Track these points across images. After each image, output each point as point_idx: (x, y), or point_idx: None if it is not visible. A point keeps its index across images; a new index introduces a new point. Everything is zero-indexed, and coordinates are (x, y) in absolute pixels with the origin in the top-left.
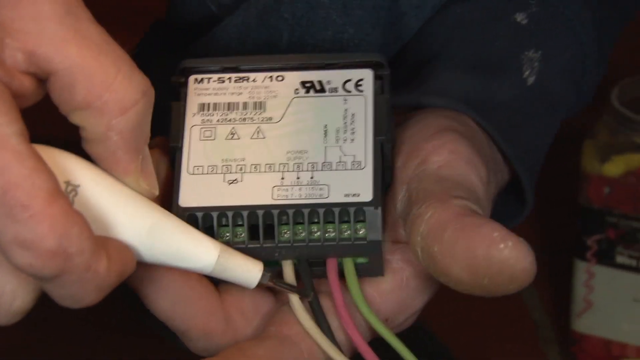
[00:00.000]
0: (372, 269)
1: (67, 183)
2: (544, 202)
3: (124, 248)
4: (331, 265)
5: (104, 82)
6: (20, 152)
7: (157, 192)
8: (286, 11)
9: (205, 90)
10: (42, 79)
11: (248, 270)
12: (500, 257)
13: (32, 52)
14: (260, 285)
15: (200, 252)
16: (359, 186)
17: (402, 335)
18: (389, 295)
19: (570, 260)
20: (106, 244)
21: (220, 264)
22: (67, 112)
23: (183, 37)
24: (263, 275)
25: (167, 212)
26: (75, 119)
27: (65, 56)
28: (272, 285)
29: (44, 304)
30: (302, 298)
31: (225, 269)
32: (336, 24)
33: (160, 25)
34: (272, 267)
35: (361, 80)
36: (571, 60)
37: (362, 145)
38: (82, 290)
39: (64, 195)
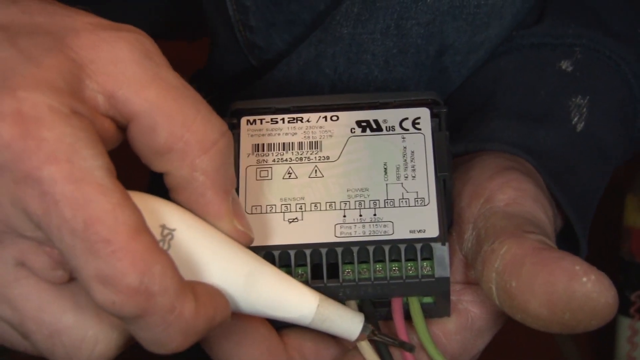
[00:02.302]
0: (438, 309)
1: (163, 227)
2: (586, 256)
3: (216, 293)
4: (397, 305)
5: (184, 123)
6: (104, 186)
7: (253, 236)
8: (327, 67)
9: (259, 131)
10: (120, 126)
11: (349, 321)
12: (583, 291)
13: (112, 94)
14: (360, 338)
15: (300, 301)
16: (424, 222)
17: None
18: (455, 336)
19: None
20: (195, 287)
21: (320, 314)
22: (149, 159)
23: (223, 88)
24: (365, 327)
25: (263, 260)
26: (158, 165)
27: (145, 99)
28: (373, 337)
29: None
30: (405, 351)
31: (325, 320)
32: (378, 80)
33: (200, 74)
34: None
35: (418, 118)
36: (620, 104)
37: (424, 181)
38: (166, 333)
39: (149, 232)
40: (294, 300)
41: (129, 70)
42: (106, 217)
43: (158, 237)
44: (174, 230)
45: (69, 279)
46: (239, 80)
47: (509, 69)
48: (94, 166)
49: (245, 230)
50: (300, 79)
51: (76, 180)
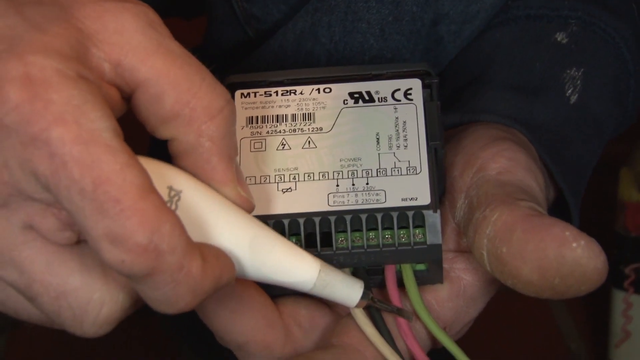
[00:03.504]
0: (431, 276)
1: (170, 188)
2: (580, 230)
3: (222, 254)
4: (390, 273)
5: (190, 90)
6: (112, 146)
7: (254, 203)
8: (323, 35)
9: (253, 104)
10: (124, 96)
11: (349, 287)
12: (573, 256)
13: (118, 63)
14: (359, 304)
15: (303, 266)
16: (416, 190)
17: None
18: (447, 303)
19: (607, 289)
20: (202, 248)
21: (321, 279)
22: (155, 126)
23: (219, 63)
24: (364, 293)
25: (266, 226)
26: (165, 131)
27: (152, 66)
28: (372, 304)
29: None
30: (404, 318)
31: (326, 285)
32: (374, 49)
33: (196, 52)
34: None
35: (410, 89)
36: (614, 78)
37: (416, 151)
38: (175, 292)
39: (157, 193)
40: (297, 265)
41: (134, 40)
42: (115, 177)
43: (165, 197)
44: (180, 191)
45: (77, 241)
46: (236, 53)
47: (505, 40)
48: (101, 127)
49: (247, 197)
50: (296, 48)
51: (84, 141)
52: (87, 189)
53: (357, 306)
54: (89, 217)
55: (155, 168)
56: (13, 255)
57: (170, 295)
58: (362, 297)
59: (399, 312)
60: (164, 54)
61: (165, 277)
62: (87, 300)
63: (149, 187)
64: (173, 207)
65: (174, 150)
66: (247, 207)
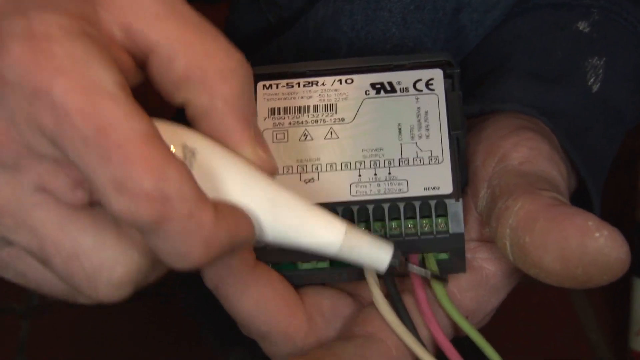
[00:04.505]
0: (453, 265)
1: (184, 146)
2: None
3: (238, 210)
4: (413, 261)
5: (202, 52)
6: (114, 95)
7: (276, 165)
8: (345, 24)
9: (275, 95)
10: (139, 63)
11: (378, 249)
12: (595, 246)
13: (129, 27)
14: (390, 269)
15: (327, 226)
16: (438, 180)
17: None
18: (469, 293)
19: (628, 278)
20: (216, 203)
21: (348, 240)
22: (170, 92)
23: (241, 49)
24: (394, 255)
25: (286, 187)
26: (178, 96)
27: (163, 30)
28: (403, 268)
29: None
30: (438, 282)
31: (353, 247)
32: (395, 38)
33: None
34: None
35: (432, 79)
36: (636, 67)
37: (438, 140)
38: (186, 242)
39: (162, 141)
40: (322, 225)
41: (145, 3)
42: (117, 124)
43: (180, 155)
44: (195, 149)
45: (89, 202)
46: (257, 41)
47: (526, 29)
48: (105, 79)
49: (268, 158)
50: (317, 36)
51: (86, 90)
52: (89, 135)
53: (387, 270)
54: (93, 165)
55: (168, 127)
56: (25, 218)
57: (182, 246)
58: (393, 258)
59: (434, 276)
60: (175, 17)
61: (175, 226)
62: (100, 261)
63: (154, 135)
64: (189, 165)
65: (190, 115)
66: (268, 168)
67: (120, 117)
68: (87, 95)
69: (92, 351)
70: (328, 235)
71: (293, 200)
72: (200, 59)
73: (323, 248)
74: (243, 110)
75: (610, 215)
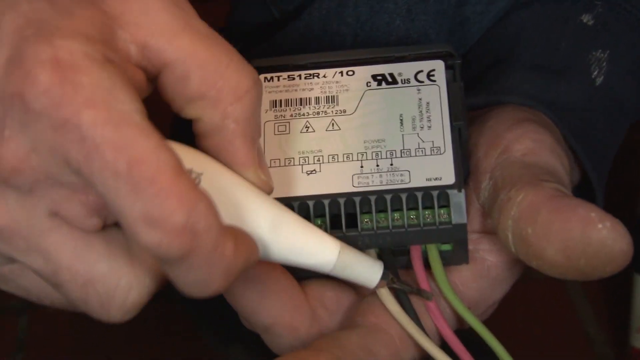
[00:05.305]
0: (456, 256)
1: (190, 171)
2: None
3: (247, 235)
4: (415, 253)
5: (217, 70)
6: (143, 127)
7: (273, 186)
8: (350, 16)
9: (276, 87)
10: (150, 77)
11: (369, 268)
12: (598, 237)
13: (145, 44)
14: (379, 285)
15: (323, 248)
16: (440, 170)
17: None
18: (472, 284)
19: (628, 274)
20: (230, 228)
21: (341, 261)
22: (181, 106)
23: (244, 44)
24: (384, 274)
25: (285, 207)
26: (190, 111)
27: (178, 47)
28: (392, 284)
29: None
30: (423, 299)
31: (346, 267)
32: (400, 30)
33: (220, 32)
34: None
35: (433, 70)
36: (639, 60)
37: (439, 131)
38: (209, 273)
39: (187, 173)
40: (317, 246)
41: (160, 19)
42: (149, 158)
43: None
44: (201, 174)
45: (102, 227)
46: (260, 34)
47: (530, 22)
48: (131, 109)
49: (267, 180)
50: (322, 28)
51: (116, 123)
52: (121, 170)
53: (377, 287)
54: (124, 199)
55: (175, 150)
56: (39, 242)
57: (204, 278)
58: (382, 278)
59: (418, 292)
60: (190, 33)
61: (201, 259)
62: (115, 286)
63: (181, 167)
64: None
65: (198, 130)
66: (266, 189)
67: (151, 150)
68: (116, 128)
69: (90, 349)
70: (323, 256)
71: (292, 222)
72: (215, 78)
73: (318, 267)
74: (251, 131)
75: (612, 210)
